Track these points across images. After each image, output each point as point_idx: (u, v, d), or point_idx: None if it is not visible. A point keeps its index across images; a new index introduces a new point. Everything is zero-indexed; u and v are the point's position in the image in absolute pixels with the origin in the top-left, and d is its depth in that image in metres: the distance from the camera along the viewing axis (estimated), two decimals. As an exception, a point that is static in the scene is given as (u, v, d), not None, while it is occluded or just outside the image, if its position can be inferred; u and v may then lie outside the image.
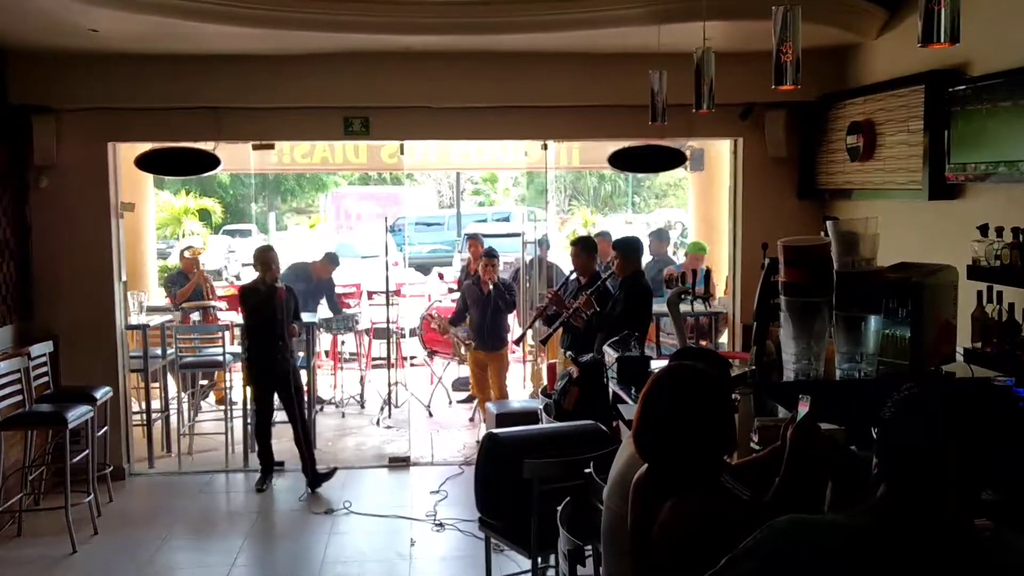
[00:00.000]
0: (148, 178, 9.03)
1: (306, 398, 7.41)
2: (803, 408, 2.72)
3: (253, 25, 5.66)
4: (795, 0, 3.53)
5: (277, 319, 6.73)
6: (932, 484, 1.78)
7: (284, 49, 6.53)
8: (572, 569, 3.00)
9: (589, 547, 3.36)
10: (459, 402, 9.34)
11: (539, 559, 3.87)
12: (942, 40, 2.48)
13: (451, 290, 10.14)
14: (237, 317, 7.98)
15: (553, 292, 6.98)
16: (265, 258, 6.78)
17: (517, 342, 8.30)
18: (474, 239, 9.61)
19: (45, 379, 6.47)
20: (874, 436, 1.88)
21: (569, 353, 5.64)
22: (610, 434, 4.24)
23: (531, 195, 26.28)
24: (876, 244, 4.19)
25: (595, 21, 5.90)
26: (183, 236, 18.62)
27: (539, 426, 5.45)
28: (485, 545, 4.23)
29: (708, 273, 5.70)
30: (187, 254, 9.30)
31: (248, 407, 7.56)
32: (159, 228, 15.75)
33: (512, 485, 3.80)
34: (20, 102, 6.62)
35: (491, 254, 8.28)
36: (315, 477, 6.78)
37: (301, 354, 7.57)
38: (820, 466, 2.57)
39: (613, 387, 4.83)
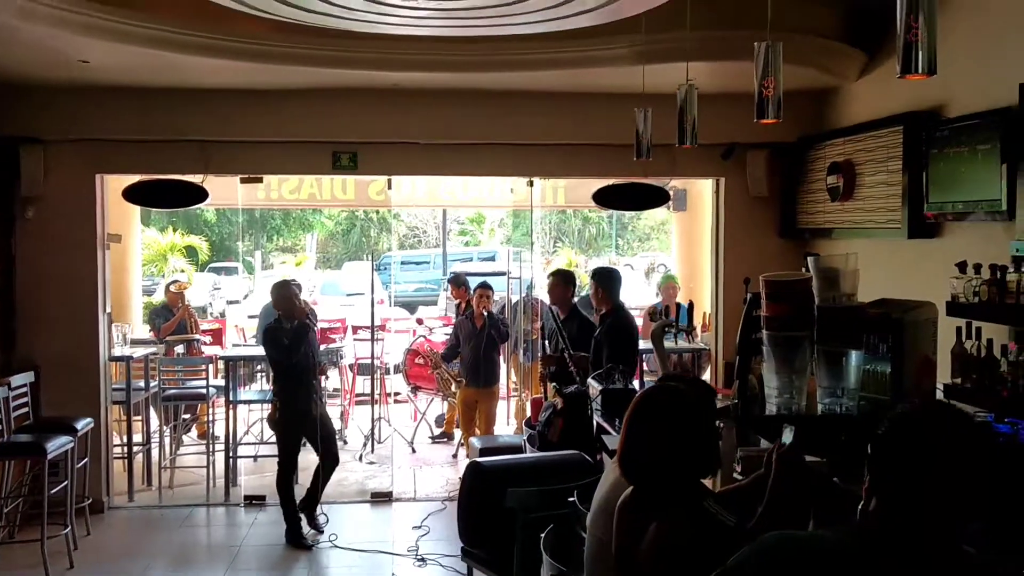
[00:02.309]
0: (134, 210, 9.03)
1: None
2: (787, 436, 2.75)
3: (241, 59, 5.71)
4: (776, 38, 3.59)
5: (307, 358, 6.41)
6: (924, 502, 1.76)
7: (273, 83, 6.60)
8: (555, 596, 2.99)
9: (571, 577, 3.36)
10: (432, 438, 9.27)
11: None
12: (920, 71, 2.54)
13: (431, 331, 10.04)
14: (221, 351, 7.96)
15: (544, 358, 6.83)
16: (285, 293, 6.47)
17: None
18: (456, 283, 9.52)
19: (25, 410, 6.41)
20: (868, 452, 1.88)
21: (554, 384, 5.64)
22: (594, 464, 4.24)
23: (517, 236, 26.38)
24: (857, 280, 4.24)
25: (581, 61, 6.00)
26: (169, 273, 18.56)
27: (523, 455, 5.44)
28: (467, 573, 4.21)
29: (691, 307, 5.74)
30: (172, 288, 9.28)
31: (230, 441, 7.54)
32: (145, 264, 15.70)
33: (496, 514, 3.79)
34: (8, 133, 6.66)
35: (485, 285, 8.33)
36: (312, 516, 6.61)
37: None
38: (803, 494, 2.59)
39: (597, 419, 4.84)
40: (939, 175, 5.32)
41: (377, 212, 26.40)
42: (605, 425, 4.70)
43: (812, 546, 1.82)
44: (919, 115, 5.60)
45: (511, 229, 27.88)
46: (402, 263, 23.13)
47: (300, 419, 6.44)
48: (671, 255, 12.29)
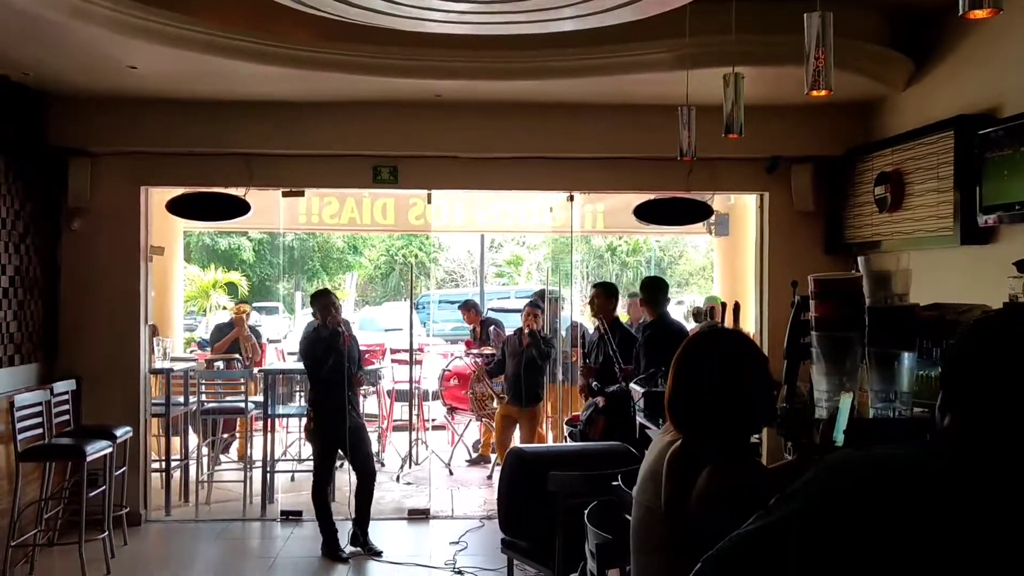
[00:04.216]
0: (178, 224, 9.13)
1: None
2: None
3: (287, 65, 5.77)
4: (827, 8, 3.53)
5: (343, 367, 6.35)
6: (1002, 415, 1.64)
7: (316, 95, 6.65)
8: (601, 567, 2.87)
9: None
10: (469, 461, 9.19)
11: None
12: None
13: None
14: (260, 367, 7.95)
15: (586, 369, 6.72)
16: (324, 301, 6.48)
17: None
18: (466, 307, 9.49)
19: (66, 416, 6.43)
20: (942, 366, 1.76)
21: (595, 383, 5.53)
22: (638, 455, 4.12)
23: (555, 279, 26.29)
24: (908, 280, 4.11)
25: (622, 66, 5.98)
26: (212, 308, 18.74)
27: (566, 444, 5.32)
28: (508, 568, 4.09)
29: (737, 307, 5.61)
30: (235, 309, 9.44)
31: (268, 457, 7.49)
32: (187, 301, 15.85)
33: (537, 502, 3.69)
34: (57, 144, 6.76)
35: (535, 304, 8.29)
36: (364, 538, 6.46)
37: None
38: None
39: (640, 420, 4.73)
40: (993, 177, 5.20)
41: (416, 256, 26.54)
42: (648, 425, 4.58)
43: (882, 461, 1.70)
44: (970, 118, 5.50)
45: (548, 274, 27.93)
46: (439, 302, 23.13)
47: (334, 428, 6.36)
48: (713, 286, 12.16)
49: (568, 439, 5.63)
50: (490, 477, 8.45)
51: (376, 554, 6.34)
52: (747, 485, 2.21)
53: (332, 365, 6.33)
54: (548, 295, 8.68)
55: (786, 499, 1.74)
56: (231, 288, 20.14)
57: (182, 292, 10.55)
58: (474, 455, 9.12)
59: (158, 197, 7.32)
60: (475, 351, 9.35)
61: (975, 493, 1.60)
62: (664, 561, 2.55)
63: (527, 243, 27.46)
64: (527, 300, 8.74)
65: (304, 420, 6.84)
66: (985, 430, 1.63)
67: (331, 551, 6.29)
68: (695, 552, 2.38)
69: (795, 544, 1.65)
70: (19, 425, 5.70)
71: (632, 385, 5.12)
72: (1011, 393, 1.63)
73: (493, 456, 8.62)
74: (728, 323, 5.21)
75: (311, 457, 6.83)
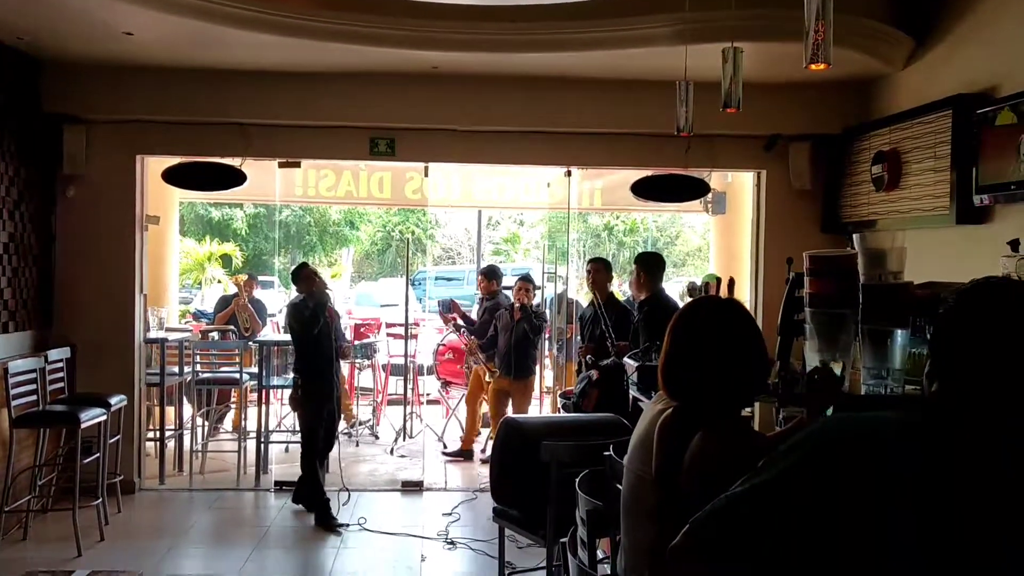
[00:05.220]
0: (174, 195, 9.11)
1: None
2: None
3: (285, 34, 5.73)
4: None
5: (330, 335, 6.53)
6: (987, 382, 1.64)
7: (313, 65, 6.61)
8: (591, 535, 2.89)
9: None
10: (445, 454, 8.53)
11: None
12: None
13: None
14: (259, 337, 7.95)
15: (584, 349, 6.74)
16: (304, 273, 6.60)
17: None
18: (490, 275, 9.40)
19: (61, 384, 6.44)
20: (929, 333, 1.77)
21: (589, 357, 5.54)
22: (630, 427, 4.14)
23: (551, 257, 26.22)
24: (903, 258, 4.12)
25: (621, 40, 5.95)
26: (207, 282, 18.70)
27: (559, 415, 5.33)
28: (499, 537, 4.11)
29: (732, 283, 5.61)
30: (235, 279, 9.48)
31: (262, 428, 7.51)
32: (183, 274, 15.80)
33: (529, 471, 3.70)
34: (52, 111, 6.72)
35: (527, 278, 8.29)
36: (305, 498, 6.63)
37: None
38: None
39: (633, 393, 4.73)
40: (990, 157, 5.19)
41: (412, 232, 26.47)
42: (641, 398, 4.59)
43: (870, 424, 1.71)
44: (969, 97, 5.49)
45: (545, 251, 27.84)
46: (436, 278, 23.12)
47: (321, 397, 6.49)
48: (709, 266, 12.14)
49: (562, 412, 5.64)
50: (484, 451, 8.46)
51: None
52: (739, 447, 2.22)
53: (318, 333, 6.44)
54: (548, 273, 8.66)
55: (774, 461, 1.75)
56: (226, 261, 20.10)
57: (178, 262, 10.54)
58: (452, 450, 8.63)
59: (154, 166, 7.29)
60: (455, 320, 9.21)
61: (962, 454, 1.61)
62: (655, 527, 2.56)
63: (525, 221, 27.40)
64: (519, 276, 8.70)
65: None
66: (970, 395, 1.65)
67: (323, 519, 6.33)
68: (685, 518, 2.40)
69: (781, 505, 1.66)
70: (13, 392, 5.70)
71: (626, 359, 5.12)
72: (994, 360, 1.64)
73: (476, 446, 8.50)
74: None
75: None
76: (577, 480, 3.06)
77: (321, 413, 6.53)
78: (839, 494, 1.58)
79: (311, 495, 6.49)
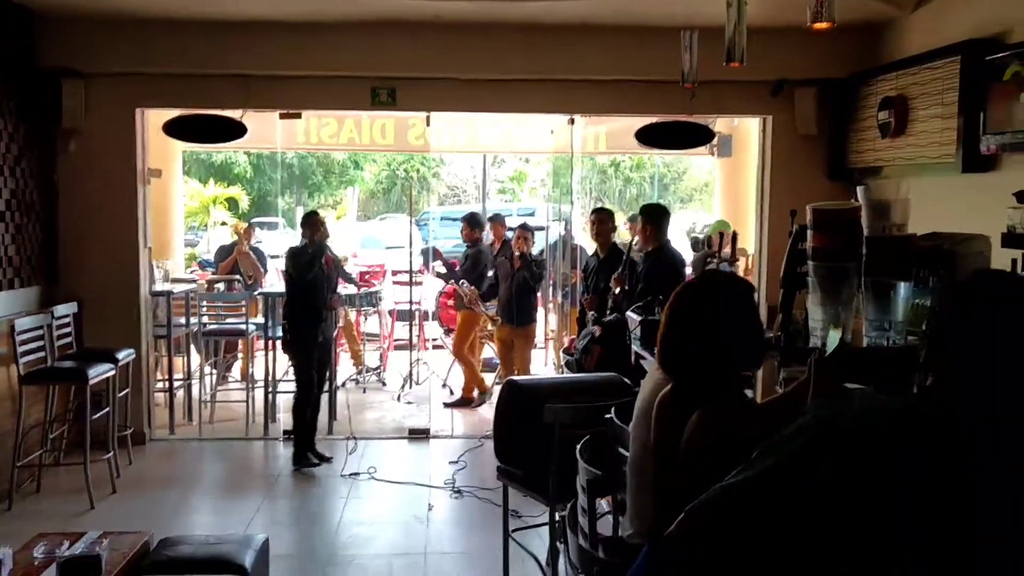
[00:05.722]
0: (176, 148, 9.06)
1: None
2: (833, 339, 2.65)
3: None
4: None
5: (323, 283, 6.68)
6: (985, 376, 1.63)
7: (313, 15, 6.51)
8: (591, 501, 2.93)
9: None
10: (447, 404, 8.51)
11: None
12: None
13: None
14: (260, 289, 7.98)
15: (589, 300, 6.75)
16: (312, 220, 6.74)
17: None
18: (497, 221, 9.41)
19: (68, 339, 6.48)
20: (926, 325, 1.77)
21: (592, 313, 5.56)
22: (633, 387, 4.17)
23: (557, 195, 26.06)
24: (908, 209, 4.09)
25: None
26: (211, 225, 18.68)
27: (561, 376, 5.38)
28: (503, 494, 4.18)
29: (735, 236, 5.61)
30: (235, 227, 9.46)
31: (269, 378, 7.57)
32: (188, 217, 15.76)
33: (532, 432, 3.74)
34: (49, 65, 6.65)
35: (525, 227, 8.29)
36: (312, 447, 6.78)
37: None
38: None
39: (636, 348, 4.76)
40: (998, 104, 5.12)
41: (418, 171, 26.34)
42: (644, 354, 4.61)
43: (872, 422, 1.72)
44: (978, 43, 5.38)
45: (551, 188, 27.59)
46: (441, 218, 23.04)
47: (310, 341, 6.63)
48: (714, 204, 12.08)
49: (564, 368, 5.68)
50: (490, 397, 8.53)
51: (326, 460, 6.69)
52: (736, 428, 2.23)
53: (312, 279, 6.56)
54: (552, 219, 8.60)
55: (769, 451, 1.76)
56: (231, 203, 20.05)
57: (182, 213, 10.51)
58: (453, 399, 8.65)
59: (155, 119, 7.23)
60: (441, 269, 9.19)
61: (962, 454, 1.62)
62: (654, 502, 2.60)
63: (531, 159, 27.19)
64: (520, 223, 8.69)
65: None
66: (970, 396, 1.65)
67: (299, 460, 6.58)
68: (684, 496, 2.43)
69: (776, 499, 1.68)
70: (20, 348, 5.74)
71: (629, 313, 5.14)
72: (993, 360, 1.64)
73: (477, 393, 8.55)
74: (727, 251, 5.21)
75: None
76: (578, 447, 3.09)
77: (312, 356, 6.67)
78: (839, 494, 1.61)
79: (295, 435, 6.69)
